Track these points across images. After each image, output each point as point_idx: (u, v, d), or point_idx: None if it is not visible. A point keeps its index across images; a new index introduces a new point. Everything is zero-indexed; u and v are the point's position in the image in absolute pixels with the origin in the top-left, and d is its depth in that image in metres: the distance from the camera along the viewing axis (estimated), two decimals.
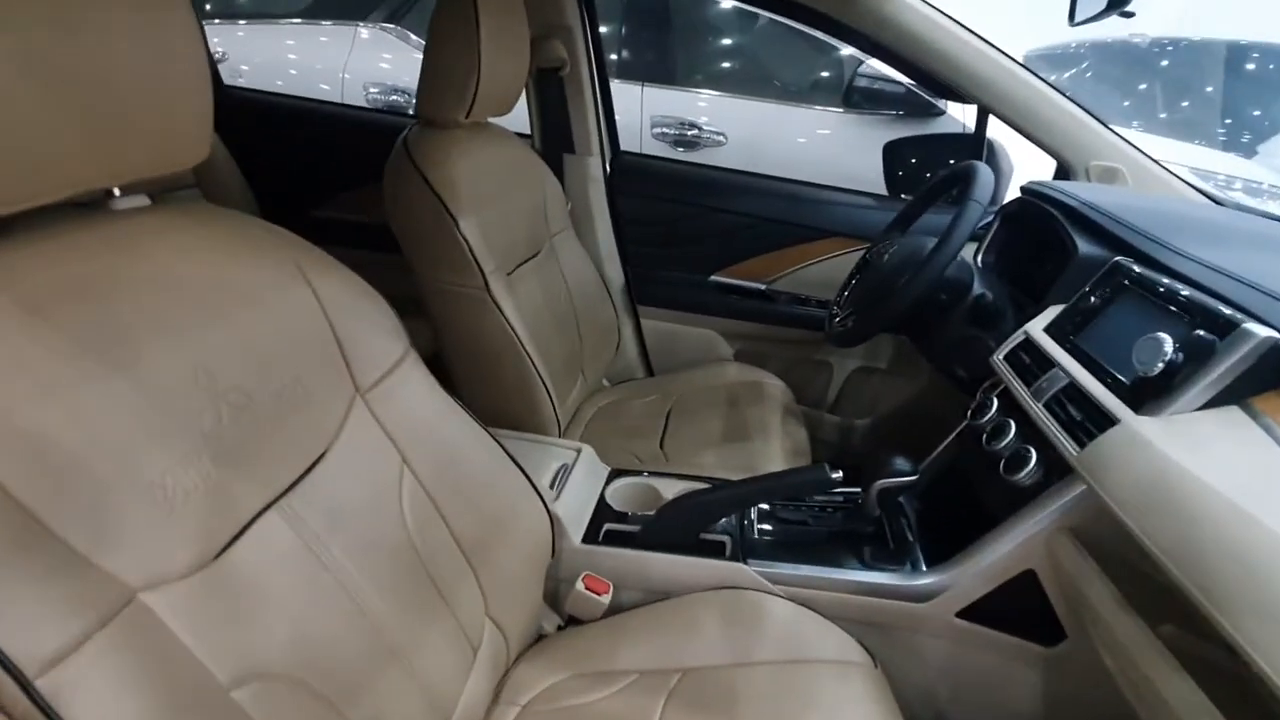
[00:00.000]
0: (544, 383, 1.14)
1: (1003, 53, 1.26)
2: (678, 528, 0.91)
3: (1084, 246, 0.94)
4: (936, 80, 1.34)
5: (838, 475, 0.85)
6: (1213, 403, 0.64)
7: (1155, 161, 1.29)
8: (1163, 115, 4.84)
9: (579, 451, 1.06)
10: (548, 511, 0.85)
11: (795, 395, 1.49)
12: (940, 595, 0.84)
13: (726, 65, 2.40)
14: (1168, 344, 0.66)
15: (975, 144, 1.40)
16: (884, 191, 1.63)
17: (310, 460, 0.60)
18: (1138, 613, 0.64)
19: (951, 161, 1.59)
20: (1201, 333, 0.66)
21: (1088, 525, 0.73)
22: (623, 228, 1.56)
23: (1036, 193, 1.10)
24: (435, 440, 0.73)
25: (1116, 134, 1.29)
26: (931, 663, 0.87)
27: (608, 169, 1.53)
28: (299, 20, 2.65)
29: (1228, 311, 0.66)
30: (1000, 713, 0.87)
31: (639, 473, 1.07)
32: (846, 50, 2.25)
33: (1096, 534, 0.72)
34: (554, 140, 1.47)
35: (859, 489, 0.95)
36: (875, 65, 2.08)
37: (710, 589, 0.88)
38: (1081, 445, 0.71)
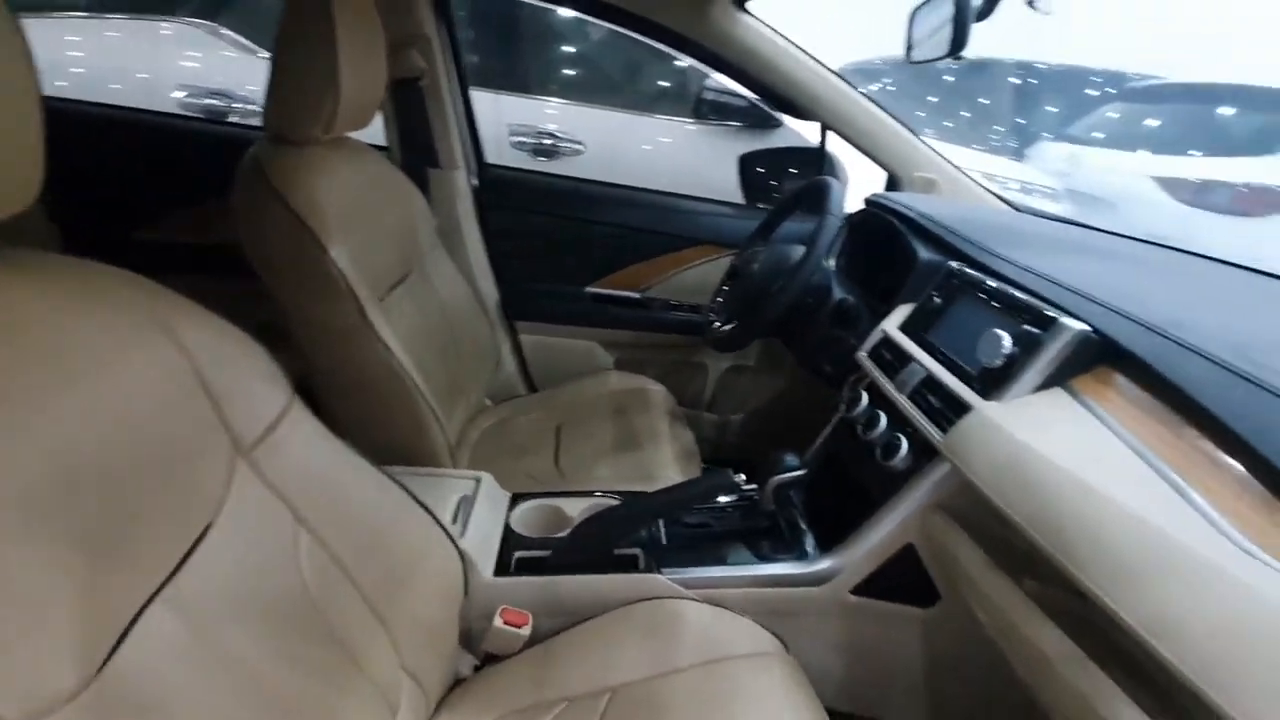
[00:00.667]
0: (432, 410, 1.09)
1: (839, 75, 1.39)
2: (592, 547, 0.91)
3: (924, 253, 1.06)
4: (780, 98, 1.45)
5: (741, 478, 0.90)
6: (1043, 386, 0.77)
7: (962, 172, 1.50)
8: (948, 124, 5.59)
9: (478, 481, 1.02)
10: (456, 549, 0.81)
11: (675, 397, 1.54)
12: (835, 577, 0.92)
13: (579, 74, 2.42)
14: (1006, 339, 0.78)
15: (819, 157, 1.53)
16: (737, 198, 1.73)
17: (194, 536, 0.53)
18: (1004, 572, 0.74)
19: (795, 171, 1.73)
20: (1029, 328, 0.78)
21: (955, 499, 0.84)
22: (493, 243, 1.53)
23: (879, 204, 1.23)
24: (330, 492, 0.68)
25: (931, 148, 1.48)
26: (832, 639, 0.95)
27: (474, 182, 1.48)
28: (82, 14, 2.27)
29: (1047, 309, 0.79)
30: (893, 673, 0.98)
31: (541, 494, 1.06)
32: (687, 61, 2.36)
33: (963, 507, 0.83)
34: (415, 154, 1.40)
35: (755, 486, 1.02)
36: (721, 79, 2.21)
37: (628, 603, 0.89)
38: (944, 431, 0.81)
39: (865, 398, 1.00)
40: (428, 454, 1.09)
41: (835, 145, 1.57)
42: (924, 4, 0.89)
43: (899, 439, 0.89)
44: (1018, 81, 5.57)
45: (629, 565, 0.92)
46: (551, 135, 2.17)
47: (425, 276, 1.27)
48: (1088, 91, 5.57)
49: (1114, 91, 4.93)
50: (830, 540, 0.94)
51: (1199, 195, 2.77)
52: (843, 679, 0.97)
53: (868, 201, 1.30)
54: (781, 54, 1.36)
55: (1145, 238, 1.15)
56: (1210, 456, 0.61)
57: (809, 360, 1.22)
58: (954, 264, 0.99)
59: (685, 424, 1.43)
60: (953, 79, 5.42)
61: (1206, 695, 0.49)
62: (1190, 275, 1.03)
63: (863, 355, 1.04)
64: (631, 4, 1.34)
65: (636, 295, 1.61)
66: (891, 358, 0.98)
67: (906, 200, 1.23)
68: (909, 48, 0.94)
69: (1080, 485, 0.64)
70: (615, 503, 1.02)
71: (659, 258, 1.58)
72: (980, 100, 5.86)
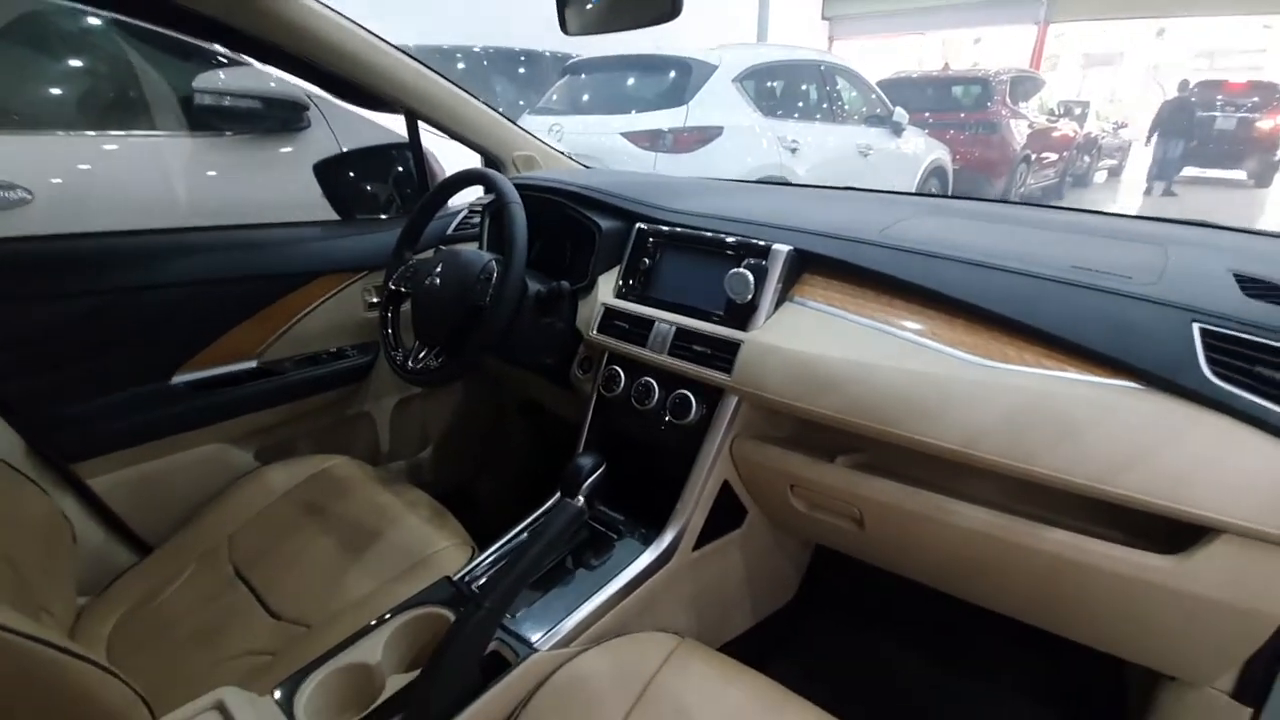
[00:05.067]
0: (47, 648, 0.64)
1: (424, 64, 1.27)
2: (464, 671, 0.70)
3: (605, 223, 1.10)
4: (357, 88, 1.26)
5: (580, 503, 0.81)
6: (777, 304, 0.90)
7: (550, 146, 1.57)
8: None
9: (219, 706, 0.66)
10: None
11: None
12: (679, 546, 0.93)
13: None
14: (749, 276, 0.88)
15: (414, 149, 1.39)
16: (309, 215, 1.45)
17: None
18: (822, 459, 0.87)
19: (398, 170, 1.55)
20: (755, 261, 0.90)
21: (750, 423, 0.93)
22: None
23: (530, 186, 1.20)
24: None
25: (522, 129, 1.50)
26: (698, 596, 0.98)
27: None
28: None
29: (759, 242, 0.92)
30: (731, 593, 1.06)
31: (313, 664, 0.75)
32: (135, 55, 1.80)
33: (759, 425, 0.93)
34: None
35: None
36: (213, 79, 1.75)
37: (525, 700, 0.73)
38: (728, 371, 0.88)
39: (621, 373, 1.01)
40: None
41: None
42: None
43: (686, 396, 0.93)
44: (463, 65, 6.03)
45: (501, 666, 0.75)
46: None
47: None
48: (520, 70, 6.46)
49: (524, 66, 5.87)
50: (658, 513, 0.94)
51: (653, 142, 3.57)
52: (719, 619, 1.01)
53: (517, 185, 1.25)
54: (354, 39, 1.16)
55: (727, 177, 1.42)
56: (912, 308, 0.82)
57: (527, 358, 1.14)
58: (640, 225, 1.06)
59: (398, 476, 1.20)
60: (464, 66, 5.52)
61: (1016, 468, 0.69)
62: (792, 195, 1.32)
63: (595, 334, 1.03)
64: None
65: (253, 364, 1.23)
66: (628, 326, 1.00)
67: (553, 177, 1.23)
68: (564, 24, 0.91)
69: (857, 365, 0.79)
70: (434, 611, 0.80)
71: (266, 310, 1.21)
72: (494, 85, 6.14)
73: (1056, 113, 7.84)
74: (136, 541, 1.10)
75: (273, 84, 1.81)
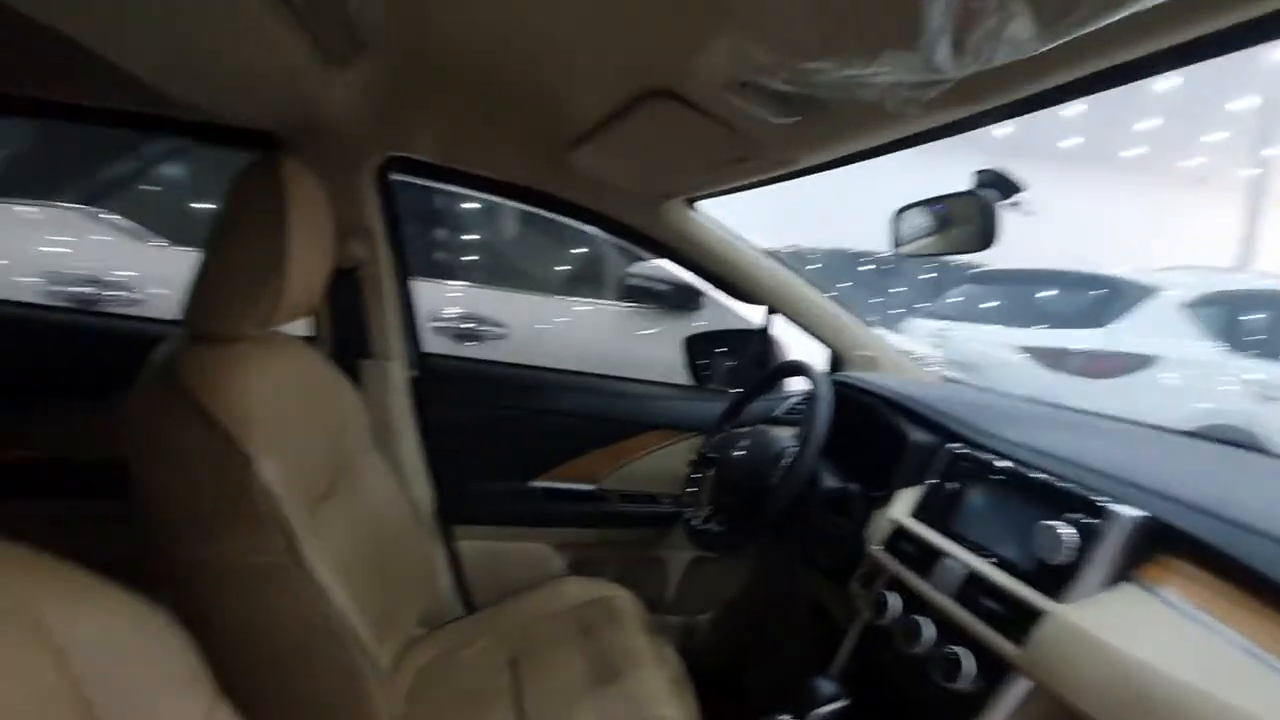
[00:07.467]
0: (369, 661, 0.85)
1: (783, 263, 1.46)
2: None
3: (914, 434, 1.04)
4: (728, 284, 1.49)
5: None
6: (1113, 581, 0.70)
7: (895, 349, 1.57)
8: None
9: None
10: None
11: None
12: None
13: (495, 260, 2.46)
14: (1068, 533, 0.72)
15: (764, 338, 1.55)
16: (673, 378, 1.70)
17: None
18: None
19: (738, 352, 1.74)
20: (1085, 519, 0.73)
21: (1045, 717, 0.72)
22: (430, 439, 1.36)
23: (848, 385, 1.22)
24: None
25: (870, 329, 1.55)
26: None
27: (414, 373, 1.34)
28: None
29: (1095, 497, 0.75)
30: None
31: None
32: (598, 248, 2.48)
33: None
34: (347, 344, 1.25)
35: None
36: (643, 265, 2.29)
37: None
38: (1017, 642, 0.71)
39: (899, 601, 0.89)
40: (360, 714, 0.83)
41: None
42: (909, 206, 0.97)
43: (958, 654, 0.78)
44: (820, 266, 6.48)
45: None
46: (474, 319, 2.11)
47: (356, 484, 1.06)
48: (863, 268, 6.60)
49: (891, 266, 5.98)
50: None
51: (1056, 361, 3.16)
52: None
53: (837, 382, 1.29)
54: (728, 246, 1.42)
55: (1102, 413, 1.20)
56: None
57: (806, 553, 1.11)
58: (956, 446, 0.97)
59: (663, 635, 1.24)
60: (819, 265, 6.17)
61: None
62: (1166, 443, 1.06)
63: (878, 550, 0.95)
64: (600, 206, 1.37)
65: (591, 488, 1.47)
66: (916, 552, 0.90)
67: (876, 380, 1.23)
68: (896, 244, 1.00)
69: (1215, 704, 0.55)
70: None
71: (612, 446, 1.47)
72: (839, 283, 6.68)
73: None
74: (467, 598, 1.37)
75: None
